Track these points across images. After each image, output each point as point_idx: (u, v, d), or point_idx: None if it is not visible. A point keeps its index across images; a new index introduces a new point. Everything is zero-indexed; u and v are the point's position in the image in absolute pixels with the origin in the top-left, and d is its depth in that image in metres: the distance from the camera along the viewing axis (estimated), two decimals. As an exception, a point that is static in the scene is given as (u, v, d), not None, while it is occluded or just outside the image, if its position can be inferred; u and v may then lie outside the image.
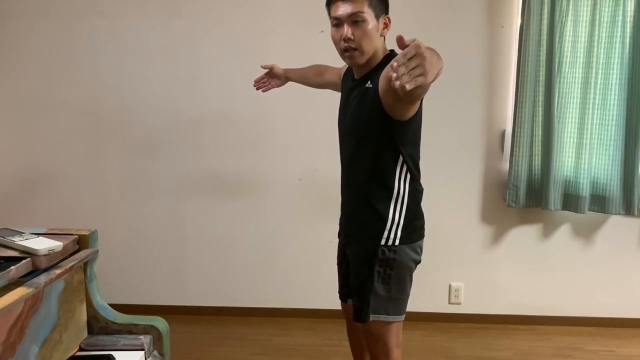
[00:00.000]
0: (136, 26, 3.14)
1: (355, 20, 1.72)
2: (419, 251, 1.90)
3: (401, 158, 1.79)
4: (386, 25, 1.80)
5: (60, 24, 3.15)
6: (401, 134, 1.75)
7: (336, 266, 2.12)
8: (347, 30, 1.73)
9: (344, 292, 2.09)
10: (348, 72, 1.99)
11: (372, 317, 1.84)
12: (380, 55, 1.81)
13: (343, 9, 1.73)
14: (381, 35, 1.79)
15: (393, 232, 1.82)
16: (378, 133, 1.75)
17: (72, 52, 3.18)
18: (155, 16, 3.13)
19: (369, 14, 1.72)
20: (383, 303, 1.84)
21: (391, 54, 1.81)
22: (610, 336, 3.15)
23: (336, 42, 1.79)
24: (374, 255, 1.82)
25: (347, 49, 1.75)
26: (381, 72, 1.72)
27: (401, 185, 1.81)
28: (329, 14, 1.81)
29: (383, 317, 1.85)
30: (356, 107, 1.82)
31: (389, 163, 1.79)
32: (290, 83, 2.55)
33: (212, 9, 3.11)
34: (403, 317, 1.89)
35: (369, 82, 1.78)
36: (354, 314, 1.90)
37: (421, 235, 1.90)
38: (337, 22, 1.76)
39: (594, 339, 3.12)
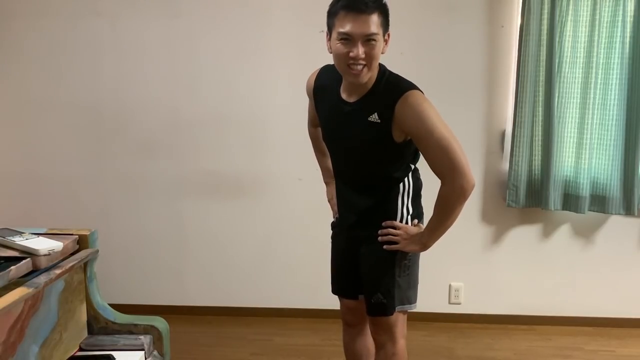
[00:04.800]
0: (136, 26, 3.14)
1: (368, 39, 1.65)
2: None
3: (407, 162, 1.89)
4: (386, 42, 1.75)
5: (60, 24, 3.15)
6: (410, 148, 1.82)
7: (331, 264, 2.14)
8: (360, 50, 1.64)
9: (351, 288, 2.07)
10: (325, 83, 1.91)
11: (398, 309, 1.92)
12: (375, 73, 1.76)
13: (358, 28, 1.63)
14: (382, 53, 1.74)
15: (407, 223, 1.91)
16: (387, 157, 1.82)
17: (72, 52, 3.17)
18: (154, 16, 3.13)
19: (379, 34, 1.67)
20: (405, 293, 1.93)
21: (383, 72, 1.79)
22: (610, 336, 3.15)
23: (341, 58, 1.68)
24: (395, 251, 1.88)
25: (352, 67, 1.67)
26: (381, 99, 1.73)
27: (406, 180, 1.90)
28: (333, 24, 1.69)
29: (406, 307, 1.95)
30: (359, 135, 1.79)
31: (397, 173, 1.87)
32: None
33: (211, 8, 3.11)
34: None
35: (374, 116, 1.74)
36: (375, 310, 1.93)
37: (422, 217, 1.99)
38: (346, 38, 1.65)
39: (594, 339, 3.12)
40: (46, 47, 3.17)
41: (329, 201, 2.18)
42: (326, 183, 2.21)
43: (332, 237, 2.12)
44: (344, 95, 1.83)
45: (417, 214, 1.95)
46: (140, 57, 3.17)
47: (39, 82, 3.21)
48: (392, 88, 1.75)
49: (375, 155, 1.82)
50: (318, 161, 2.24)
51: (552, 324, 3.25)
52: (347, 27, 1.64)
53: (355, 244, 1.98)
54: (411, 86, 1.75)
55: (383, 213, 1.89)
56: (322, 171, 2.23)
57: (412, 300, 1.96)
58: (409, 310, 1.97)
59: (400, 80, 1.78)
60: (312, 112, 2.10)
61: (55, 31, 3.15)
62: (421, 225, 1.92)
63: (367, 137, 1.78)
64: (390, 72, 1.81)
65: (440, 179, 1.77)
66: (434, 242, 1.86)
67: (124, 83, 3.19)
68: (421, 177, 1.99)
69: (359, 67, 1.68)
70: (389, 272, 1.89)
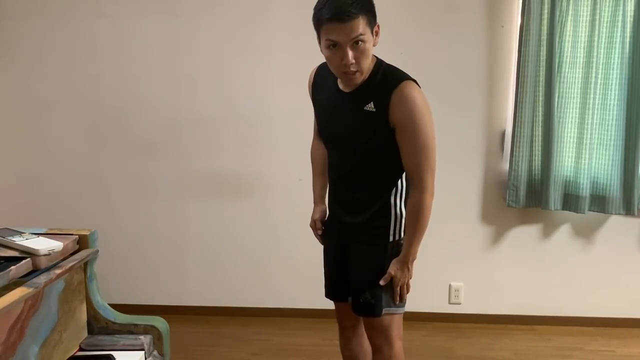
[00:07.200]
0: (136, 26, 3.14)
1: (356, 42, 1.66)
2: None
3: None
4: (377, 34, 1.74)
5: (60, 24, 3.15)
6: None
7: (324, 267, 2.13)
8: (350, 55, 1.66)
9: (342, 291, 2.06)
10: (324, 77, 1.92)
11: (384, 311, 1.90)
12: (370, 65, 1.77)
13: (343, 34, 1.63)
14: (373, 45, 1.74)
15: (398, 225, 1.89)
16: (384, 147, 1.79)
17: (72, 52, 3.17)
18: (154, 16, 3.13)
19: (367, 33, 1.66)
20: (393, 295, 1.90)
21: (379, 63, 1.80)
22: (610, 336, 3.15)
23: (335, 64, 1.71)
24: (384, 252, 1.88)
25: (347, 72, 1.70)
26: (378, 89, 1.74)
27: (400, 182, 1.88)
28: (320, 31, 1.70)
29: (393, 309, 1.92)
30: (355, 124, 1.81)
31: (393, 165, 1.84)
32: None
33: (211, 8, 3.11)
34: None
35: (370, 105, 1.75)
36: (363, 310, 1.93)
37: None
38: (334, 45, 1.67)
39: (594, 339, 3.12)
40: (46, 47, 3.17)
41: (312, 221, 2.18)
42: (315, 203, 2.19)
43: (324, 238, 2.12)
44: (341, 86, 1.85)
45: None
46: (140, 57, 3.17)
47: (39, 82, 3.21)
48: (389, 78, 1.76)
49: (369, 144, 1.81)
50: (313, 181, 2.20)
51: (552, 324, 3.25)
52: (333, 36, 1.66)
53: (346, 244, 1.97)
54: (408, 77, 1.77)
55: (375, 210, 1.87)
56: (314, 192, 2.19)
57: (399, 304, 1.93)
58: (397, 313, 1.94)
59: (397, 71, 1.80)
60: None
61: (55, 31, 3.16)
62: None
63: (362, 127, 1.79)
64: (388, 64, 1.82)
65: (410, 177, 1.82)
66: (415, 256, 1.87)
67: (124, 83, 3.19)
68: None
69: (353, 71, 1.71)
70: (378, 272, 1.87)
